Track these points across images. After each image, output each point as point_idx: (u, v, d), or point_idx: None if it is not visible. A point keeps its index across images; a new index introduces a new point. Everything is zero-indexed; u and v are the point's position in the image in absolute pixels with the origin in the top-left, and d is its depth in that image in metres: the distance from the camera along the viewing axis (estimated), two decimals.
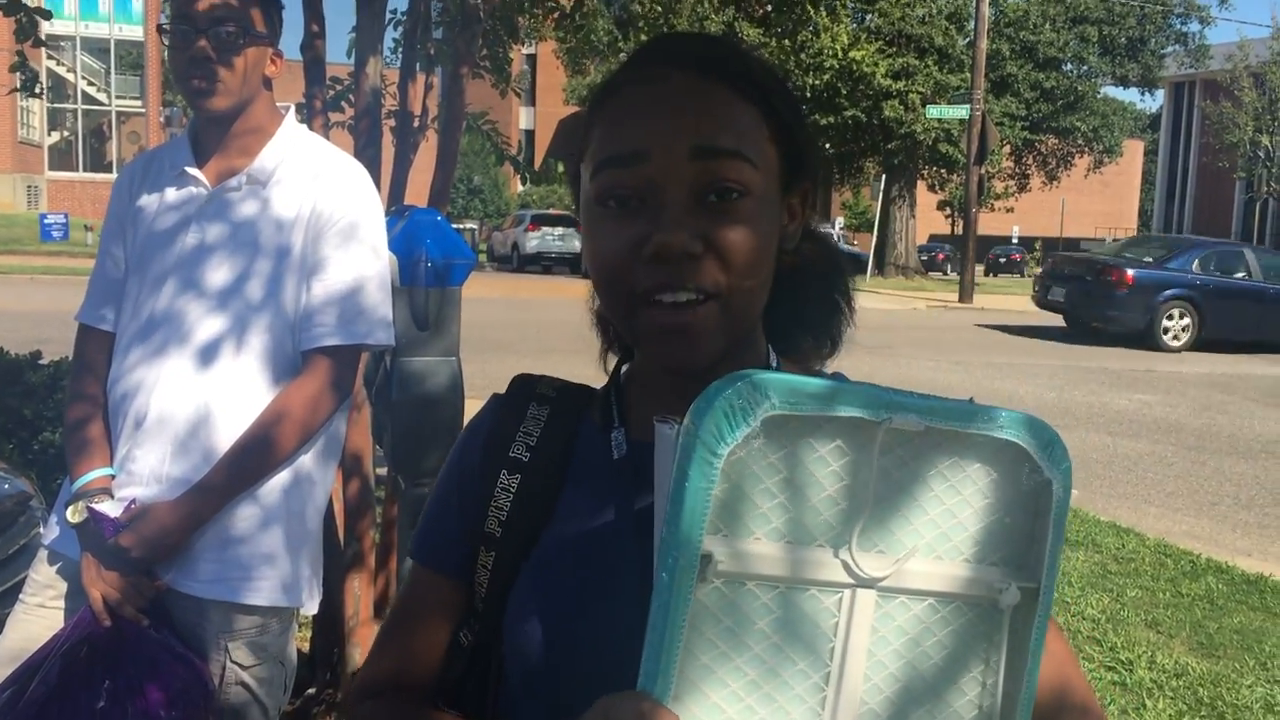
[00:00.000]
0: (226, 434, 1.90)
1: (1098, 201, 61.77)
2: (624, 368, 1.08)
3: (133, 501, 1.88)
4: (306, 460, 2.00)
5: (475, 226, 38.39)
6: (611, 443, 1.02)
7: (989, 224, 44.65)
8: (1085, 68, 38.05)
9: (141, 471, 1.91)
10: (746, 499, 0.75)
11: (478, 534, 1.03)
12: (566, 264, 32.12)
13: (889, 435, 0.76)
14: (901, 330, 17.41)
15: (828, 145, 33.42)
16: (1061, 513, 0.81)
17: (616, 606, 0.94)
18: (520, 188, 25.06)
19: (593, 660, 0.93)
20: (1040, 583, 0.81)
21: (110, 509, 1.86)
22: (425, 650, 1.06)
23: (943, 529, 0.80)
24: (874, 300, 23.78)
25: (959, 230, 32.73)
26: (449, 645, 1.06)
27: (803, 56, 30.88)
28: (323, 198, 1.99)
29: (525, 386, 1.08)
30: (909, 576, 0.79)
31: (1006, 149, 32.39)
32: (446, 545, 1.06)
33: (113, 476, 1.93)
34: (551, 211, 35.03)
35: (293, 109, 2.16)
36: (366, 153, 2.98)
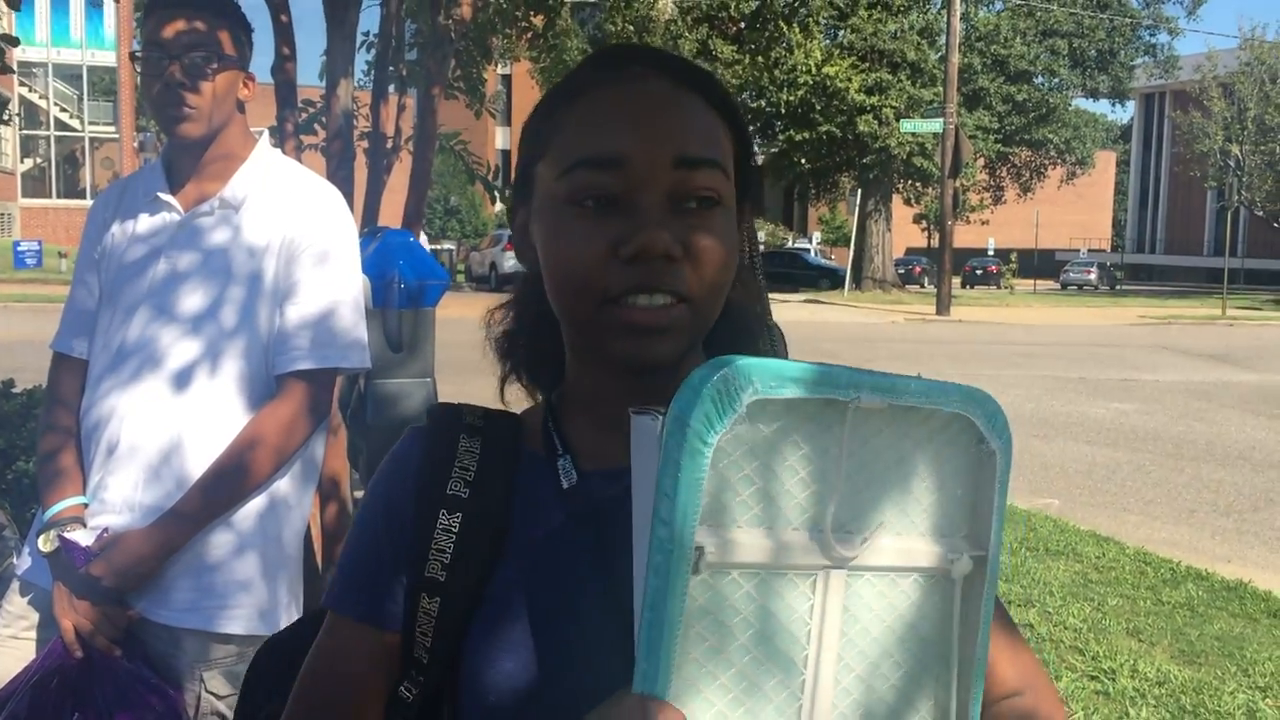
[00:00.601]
0: (199, 460, 1.88)
1: (1071, 212, 62.26)
2: (551, 394, 1.03)
3: (105, 530, 1.86)
4: (283, 484, 1.98)
5: (453, 247, 38.35)
6: (559, 471, 0.97)
7: (965, 237, 44.94)
8: (1056, 80, 38.45)
9: (114, 500, 1.89)
10: (730, 487, 0.75)
11: (418, 580, 0.95)
12: None
13: (854, 414, 0.77)
14: (881, 343, 17.48)
15: (803, 160, 33.61)
16: (1004, 482, 0.83)
17: (583, 640, 0.91)
18: (497, 207, 25.02)
19: (565, 697, 0.89)
20: (989, 550, 0.84)
21: (82, 538, 1.84)
22: (357, 708, 0.98)
23: (901, 505, 0.81)
24: (852, 314, 23.86)
25: (935, 243, 32.92)
26: (388, 702, 0.98)
27: (776, 73, 31.06)
28: (296, 222, 1.98)
29: (450, 416, 1.01)
30: (874, 554, 0.80)
31: (980, 162, 32.63)
32: (378, 594, 0.98)
33: (85, 505, 1.91)
34: None
35: (266, 133, 2.15)
36: (339, 175, 2.97)
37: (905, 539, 0.82)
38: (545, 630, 0.92)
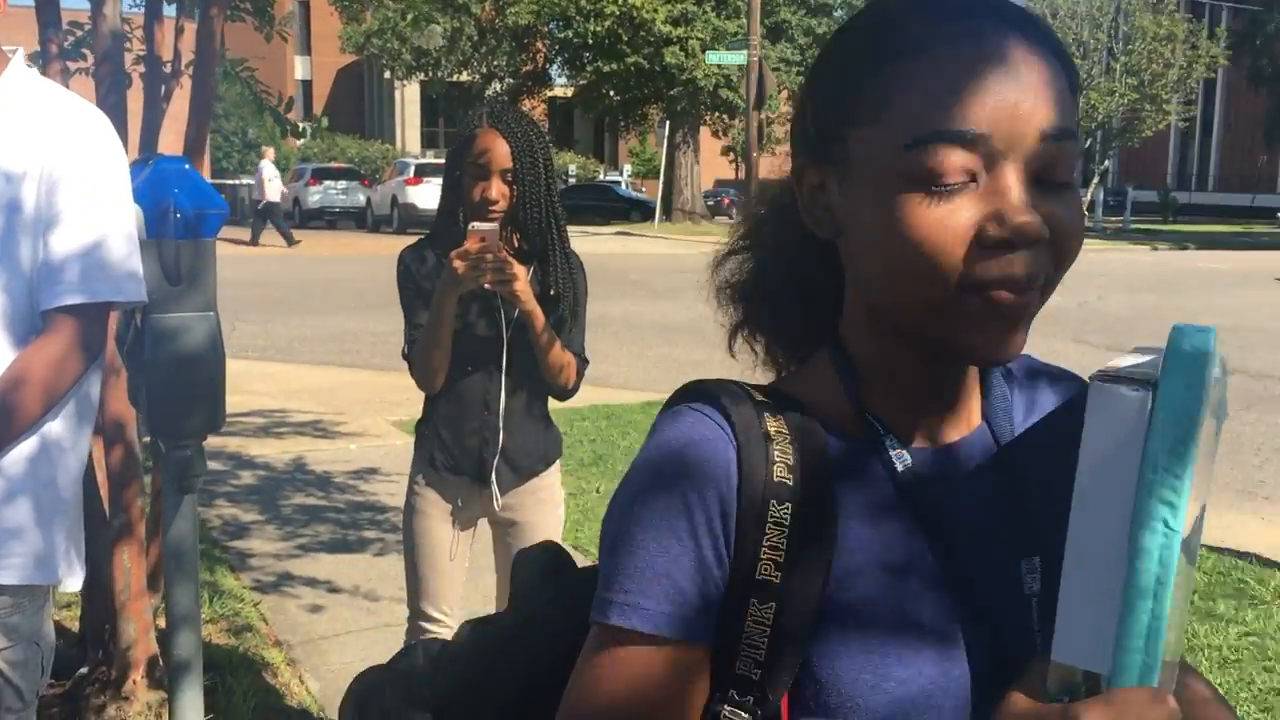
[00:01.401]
0: None
1: None
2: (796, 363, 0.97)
3: None
4: (55, 426, 1.88)
5: (253, 182, 36.74)
6: (890, 454, 0.87)
7: (771, 168, 45.70)
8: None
9: None
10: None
11: (746, 584, 0.83)
12: (351, 218, 31.18)
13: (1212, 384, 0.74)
14: (691, 274, 17.72)
15: (612, 93, 33.55)
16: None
17: (939, 636, 0.84)
18: (299, 141, 23.95)
19: (924, 699, 0.83)
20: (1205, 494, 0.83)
21: None
22: None
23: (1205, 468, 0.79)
24: (662, 245, 24.09)
25: (743, 175, 33.50)
26: None
27: (583, 3, 30.81)
28: (55, 148, 1.86)
29: (740, 395, 0.88)
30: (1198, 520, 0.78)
31: (784, 94, 33.23)
32: (687, 605, 0.83)
33: None
34: (334, 165, 33.92)
35: (21, 52, 2.00)
36: (109, 101, 2.81)
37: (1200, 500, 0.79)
38: (900, 629, 0.84)
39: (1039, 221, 0.78)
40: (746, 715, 0.84)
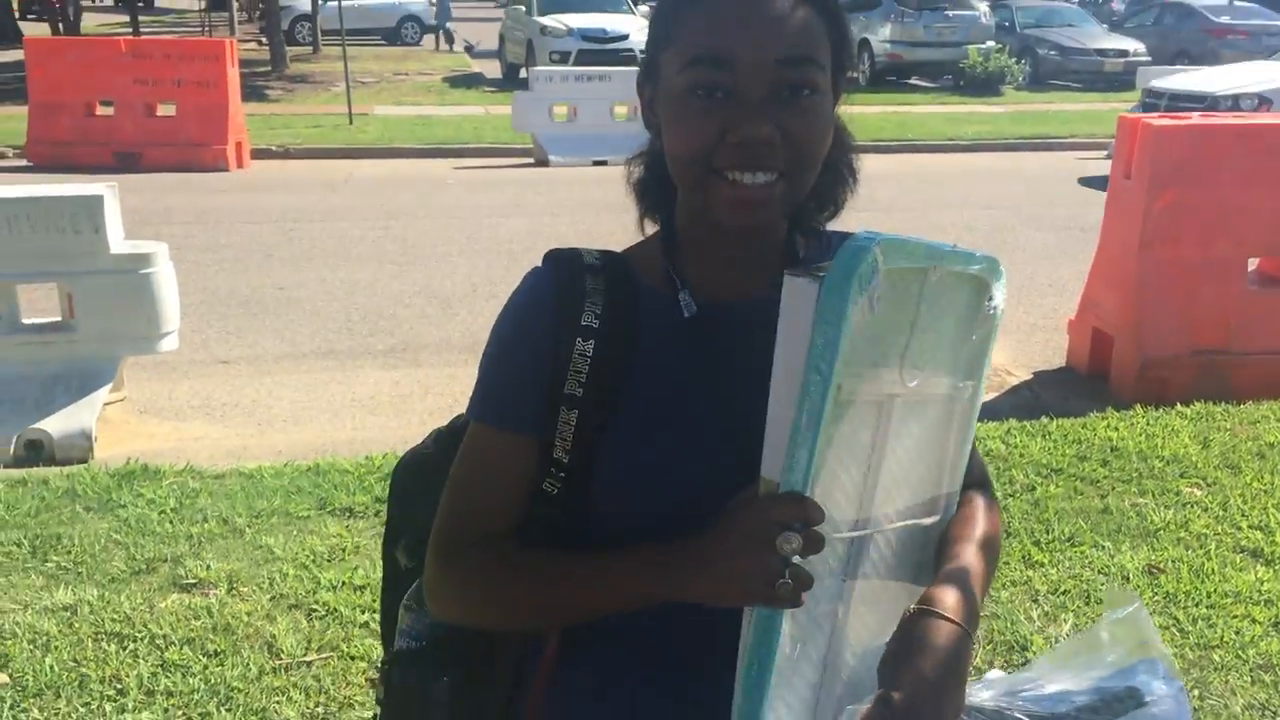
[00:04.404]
0: None
1: None
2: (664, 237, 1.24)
3: None
4: None
5: None
6: (680, 303, 1.18)
7: None
8: None
9: None
10: (859, 338, 0.96)
11: (557, 395, 1.16)
12: None
13: (930, 280, 1.04)
14: None
15: None
16: (998, 327, 1.16)
17: (699, 440, 1.15)
18: None
19: (683, 486, 1.13)
20: (980, 380, 1.18)
21: None
22: (508, 504, 1.20)
23: (935, 349, 1.09)
24: None
25: None
26: (531, 497, 1.20)
27: None
28: None
29: (571, 258, 1.21)
30: (921, 387, 1.08)
31: None
32: (524, 407, 1.18)
33: None
34: None
35: None
36: None
37: (935, 374, 1.11)
38: (668, 432, 1.15)
39: (765, 130, 1.07)
40: (559, 485, 1.19)
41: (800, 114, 1.09)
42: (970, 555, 1.17)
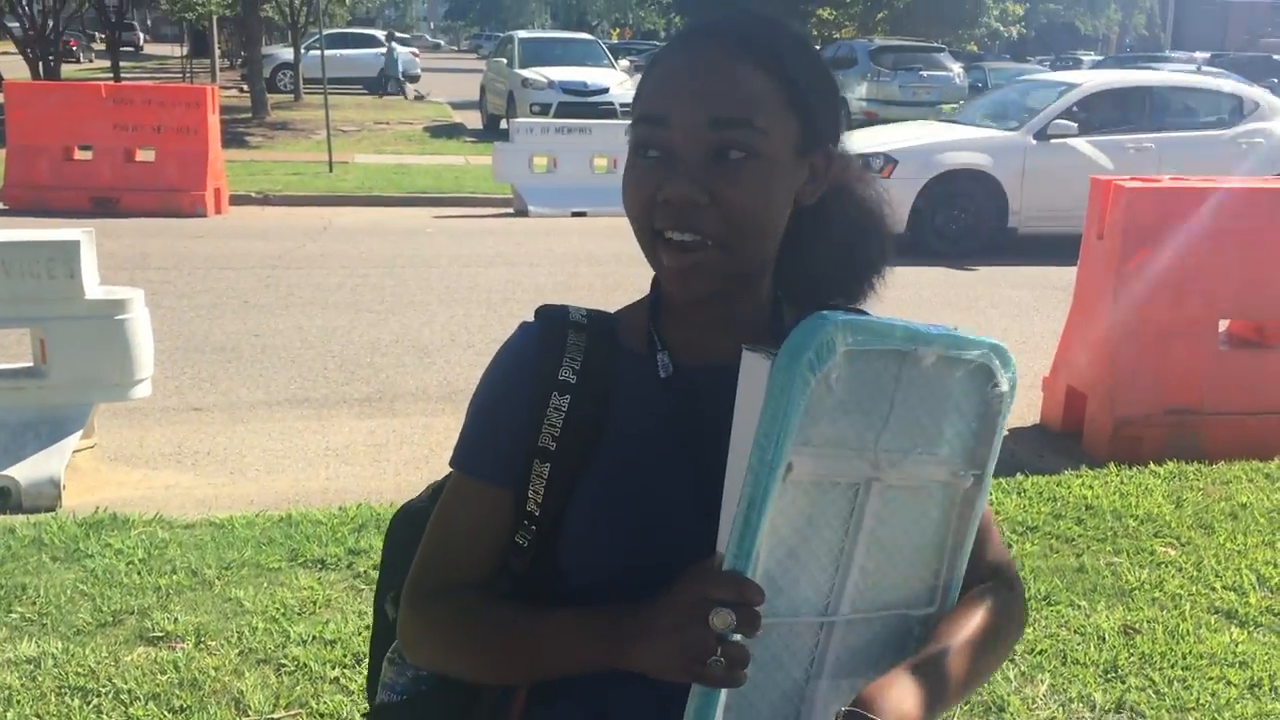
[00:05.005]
0: None
1: None
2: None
3: None
4: None
5: None
6: (658, 364, 1.19)
7: None
8: None
9: None
10: (815, 418, 0.95)
11: (532, 449, 1.17)
12: None
13: (909, 363, 1.00)
14: None
15: None
16: (1006, 415, 1.11)
17: (675, 510, 1.13)
18: None
19: (650, 552, 1.11)
20: (985, 469, 1.12)
21: None
22: (481, 554, 1.21)
23: (929, 434, 1.06)
24: None
25: None
26: (504, 548, 1.20)
27: None
28: None
29: (558, 314, 1.22)
30: (904, 472, 1.05)
31: None
32: (498, 458, 1.19)
33: None
34: None
35: None
36: None
37: (927, 461, 1.07)
38: (634, 491, 1.15)
39: (686, 189, 1.07)
40: (529, 538, 1.19)
41: (728, 177, 1.07)
42: (944, 645, 1.11)
